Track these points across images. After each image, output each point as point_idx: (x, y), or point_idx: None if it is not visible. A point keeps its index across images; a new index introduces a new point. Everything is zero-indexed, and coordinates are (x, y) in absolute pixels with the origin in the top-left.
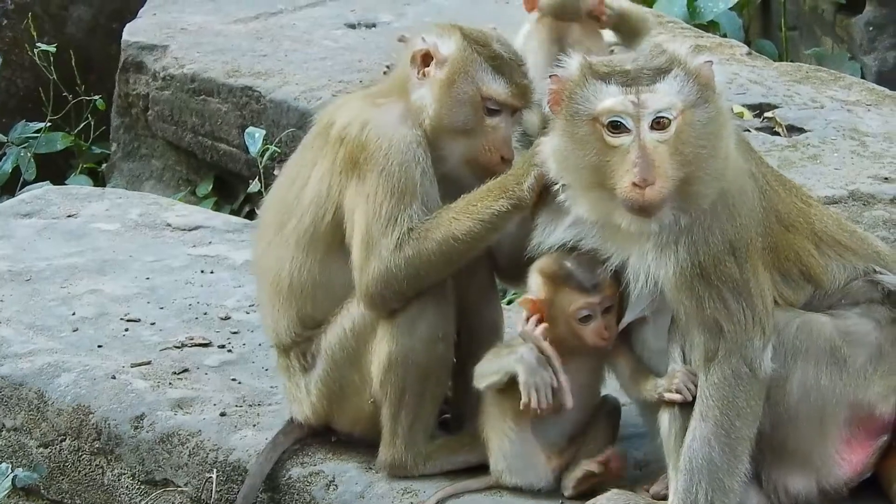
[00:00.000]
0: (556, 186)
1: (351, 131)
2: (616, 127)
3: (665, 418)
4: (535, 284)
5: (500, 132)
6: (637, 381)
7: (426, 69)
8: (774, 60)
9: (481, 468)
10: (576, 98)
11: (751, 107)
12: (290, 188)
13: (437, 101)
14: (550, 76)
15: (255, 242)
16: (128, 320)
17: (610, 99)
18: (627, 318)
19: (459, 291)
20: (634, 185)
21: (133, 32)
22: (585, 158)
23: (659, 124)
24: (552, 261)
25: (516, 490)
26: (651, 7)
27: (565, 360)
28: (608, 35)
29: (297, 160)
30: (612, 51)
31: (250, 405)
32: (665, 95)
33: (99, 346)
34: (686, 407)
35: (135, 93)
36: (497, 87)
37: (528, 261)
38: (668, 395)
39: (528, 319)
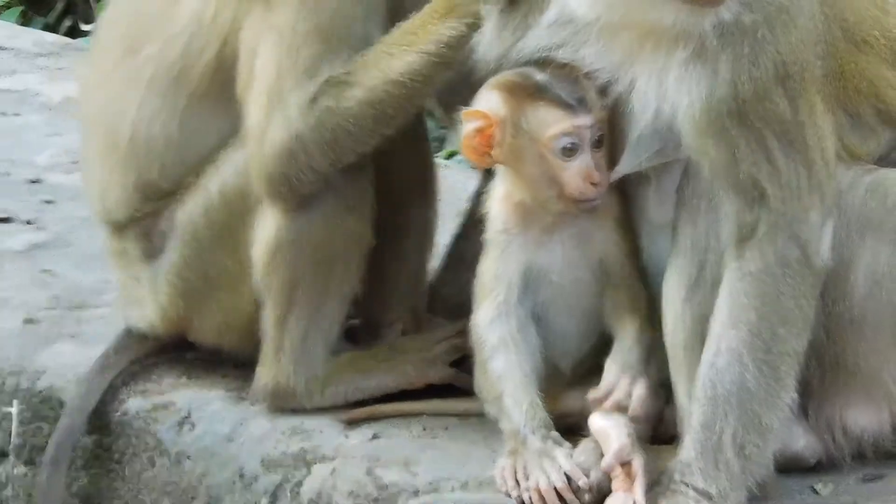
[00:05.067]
0: None
1: None
2: None
3: (670, 317)
4: (491, 101)
5: None
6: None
7: None
8: None
9: (406, 395)
10: None
11: None
12: None
13: None
14: None
15: (87, 73)
16: None
17: None
18: (621, 169)
19: None
20: None
21: None
22: None
23: None
24: (514, 74)
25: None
26: None
27: (538, 240)
28: None
29: None
30: None
31: (69, 308)
32: None
33: None
34: (699, 299)
35: None
36: None
37: (474, 82)
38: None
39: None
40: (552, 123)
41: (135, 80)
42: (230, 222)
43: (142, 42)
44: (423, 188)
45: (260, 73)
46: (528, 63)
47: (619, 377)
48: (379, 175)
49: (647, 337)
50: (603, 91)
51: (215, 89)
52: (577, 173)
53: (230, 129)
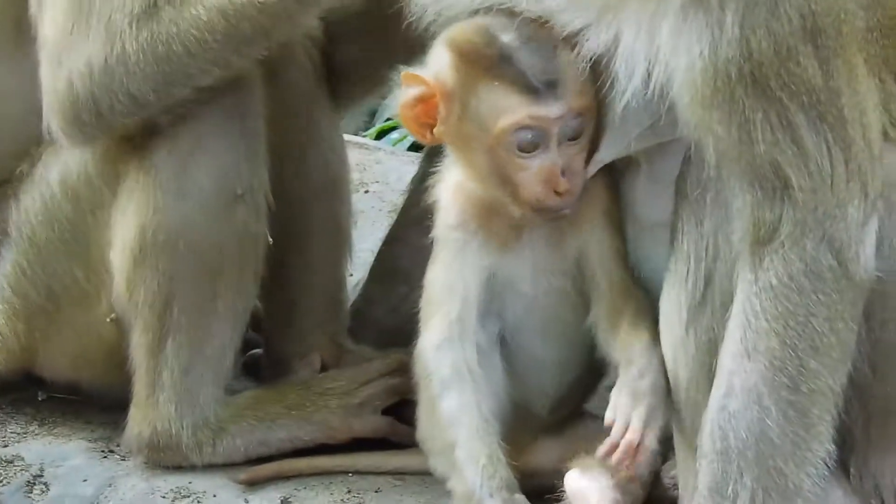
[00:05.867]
0: None
1: None
2: None
3: (668, 346)
4: (440, 64)
5: None
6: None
7: None
8: None
9: (326, 448)
10: None
11: None
12: None
13: None
14: None
15: None
16: None
17: None
18: (602, 156)
19: (273, 112)
20: None
21: None
22: None
23: None
24: (476, 30)
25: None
26: None
27: (503, 239)
28: None
29: None
30: None
31: None
32: None
33: None
34: (706, 322)
35: None
36: None
37: (401, 32)
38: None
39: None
40: (507, 111)
41: None
42: (77, 220)
43: None
44: (330, 177)
45: None
46: (490, 12)
47: (630, 411)
48: (278, 159)
49: (660, 356)
50: (596, 66)
51: (9, 19)
52: (537, 176)
53: None
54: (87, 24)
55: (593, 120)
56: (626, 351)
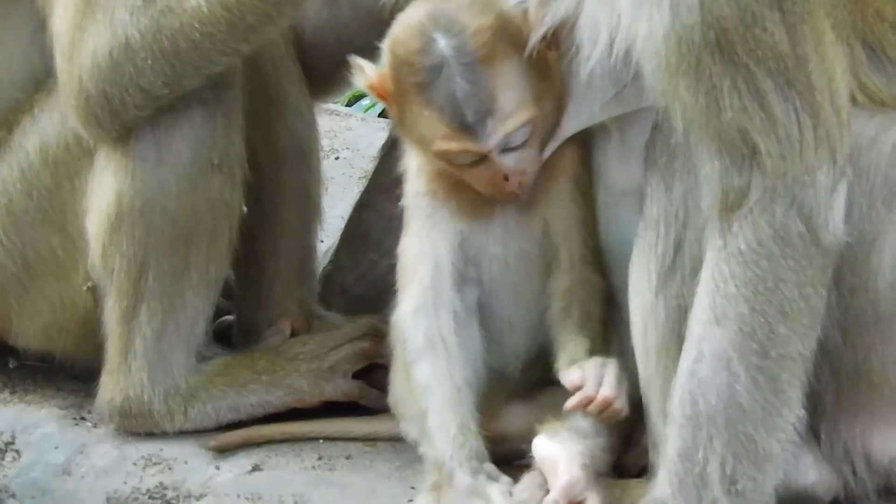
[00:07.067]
0: None
1: None
2: None
3: (638, 312)
4: (385, 61)
5: None
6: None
7: None
8: None
9: (296, 415)
10: None
11: None
12: None
13: None
14: None
15: None
16: None
17: None
18: (568, 128)
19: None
20: None
21: None
22: None
23: None
24: (414, 30)
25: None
26: None
27: (474, 204)
28: None
29: None
30: None
31: None
32: None
33: None
34: (675, 288)
35: None
36: None
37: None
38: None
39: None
40: (439, 139)
41: None
42: (55, 188)
43: None
44: (294, 142)
45: None
46: None
47: (600, 372)
48: (250, 131)
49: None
50: (555, 37)
51: None
52: (481, 180)
53: (38, 53)
54: (93, 18)
55: (541, 119)
56: (566, 339)
